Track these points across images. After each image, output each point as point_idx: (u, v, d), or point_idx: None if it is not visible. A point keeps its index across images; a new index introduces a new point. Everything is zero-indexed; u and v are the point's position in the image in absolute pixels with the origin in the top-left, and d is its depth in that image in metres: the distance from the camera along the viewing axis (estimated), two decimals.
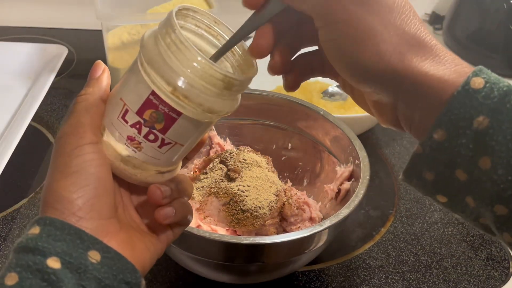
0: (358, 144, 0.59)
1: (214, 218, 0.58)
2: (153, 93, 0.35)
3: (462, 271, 0.63)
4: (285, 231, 0.60)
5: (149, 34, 0.36)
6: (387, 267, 0.63)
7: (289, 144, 0.69)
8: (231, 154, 0.62)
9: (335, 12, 0.35)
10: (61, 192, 0.35)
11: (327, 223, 0.50)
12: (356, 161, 0.59)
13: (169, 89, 0.34)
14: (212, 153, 0.68)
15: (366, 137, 0.82)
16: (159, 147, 0.37)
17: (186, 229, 0.49)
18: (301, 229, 0.57)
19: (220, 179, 0.59)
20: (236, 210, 0.57)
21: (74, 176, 0.35)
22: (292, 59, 0.40)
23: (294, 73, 0.41)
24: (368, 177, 0.56)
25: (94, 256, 0.33)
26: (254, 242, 0.49)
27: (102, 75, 0.40)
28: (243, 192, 0.57)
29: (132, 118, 0.36)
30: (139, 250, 0.38)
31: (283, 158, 0.69)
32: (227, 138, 0.69)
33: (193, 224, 0.57)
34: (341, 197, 0.61)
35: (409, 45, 0.34)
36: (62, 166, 0.35)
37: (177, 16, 0.37)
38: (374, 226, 0.69)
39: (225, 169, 0.61)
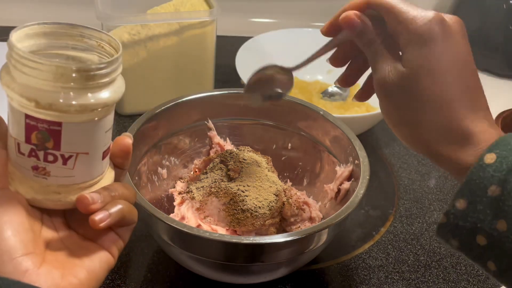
0: (358, 144, 0.60)
1: (214, 218, 0.58)
2: (26, 116, 0.34)
3: (461, 271, 0.63)
4: (285, 231, 0.60)
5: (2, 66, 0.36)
6: (386, 267, 0.63)
7: (289, 144, 0.69)
8: (231, 154, 0.62)
9: (388, 94, 0.43)
10: None
11: (327, 223, 0.51)
12: (356, 161, 0.59)
13: (32, 104, 0.34)
14: (212, 153, 0.68)
15: (366, 137, 0.82)
16: (64, 164, 0.36)
17: (185, 229, 0.49)
18: (301, 229, 0.57)
19: (220, 179, 0.60)
20: (236, 210, 0.57)
21: None
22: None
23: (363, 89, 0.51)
24: (368, 177, 0.56)
25: None
26: (254, 242, 0.49)
27: None
28: (243, 192, 0.57)
29: (26, 148, 0.36)
30: (75, 272, 0.37)
31: (283, 158, 0.69)
32: (227, 138, 0.69)
33: (193, 224, 0.57)
34: (341, 197, 0.61)
35: (449, 135, 0.41)
36: None
37: (41, 37, 0.37)
38: (374, 226, 0.69)
39: (225, 169, 0.61)
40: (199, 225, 0.57)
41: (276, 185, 0.60)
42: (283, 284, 0.60)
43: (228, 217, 0.57)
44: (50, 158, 0.36)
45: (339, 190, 0.61)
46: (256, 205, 0.57)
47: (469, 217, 0.39)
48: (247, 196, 0.57)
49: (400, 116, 0.43)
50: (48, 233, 0.39)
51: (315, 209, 0.62)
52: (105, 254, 0.40)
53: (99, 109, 0.35)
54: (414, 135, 0.43)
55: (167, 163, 0.66)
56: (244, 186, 0.58)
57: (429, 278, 0.62)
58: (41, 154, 0.36)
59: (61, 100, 0.34)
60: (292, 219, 0.60)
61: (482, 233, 0.38)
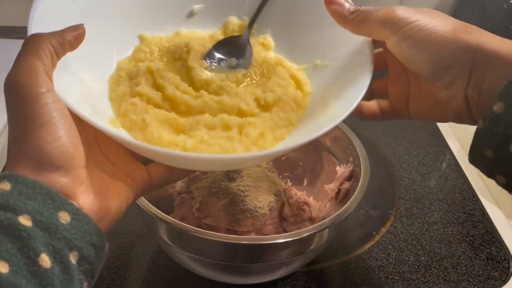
0: (358, 144, 0.60)
1: (214, 218, 0.58)
2: None
3: (462, 271, 0.63)
4: (285, 231, 0.60)
5: None
6: (387, 267, 0.63)
7: None
8: None
9: (401, 21, 0.42)
10: (37, 142, 0.34)
11: (327, 223, 0.50)
12: (356, 161, 0.59)
13: None
14: None
15: (366, 137, 0.82)
16: None
17: (186, 229, 0.49)
18: (301, 229, 0.57)
19: (220, 179, 0.59)
20: (236, 210, 0.57)
21: (47, 126, 0.35)
22: None
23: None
24: (368, 177, 0.56)
25: (64, 217, 0.33)
26: (254, 242, 0.49)
27: (70, 31, 0.39)
28: (243, 192, 0.57)
29: None
30: (113, 196, 0.38)
31: (283, 158, 0.69)
32: None
33: (193, 224, 0.57)
34: (341, 197, 0.61)
35: (473, 28, 0.41)
36: (30, 116, 0.35)
37: None
38: (374, 226, 0.69)
39: None
40: (199, 225, 0.57)
41: (276, 185, 0.60)
42: (283, 285, 0.60)
43: (228, 217, 0.57)
44: None
45: (339, 190, 0.61)
46: (256, 205, 0.57)
47: (504, 121, 0.37)
48: (247, 196, 0.57)
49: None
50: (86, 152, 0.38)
51: (315, 209, 0.62)
52: (132, 186, 0.40)
53: None
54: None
55: None
56: (244, 186, 0.58)
57: (430, 278, 0.62)
58: None
59: None
60: (292, 219, 0.60)
61: None
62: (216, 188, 0.58)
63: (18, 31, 1.07)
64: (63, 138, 0.35)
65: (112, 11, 0.52)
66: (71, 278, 0.33)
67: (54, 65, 0.38)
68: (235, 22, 0.58)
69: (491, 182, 0.41)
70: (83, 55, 0.44)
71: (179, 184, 0.64)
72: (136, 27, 0.55)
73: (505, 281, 0.62)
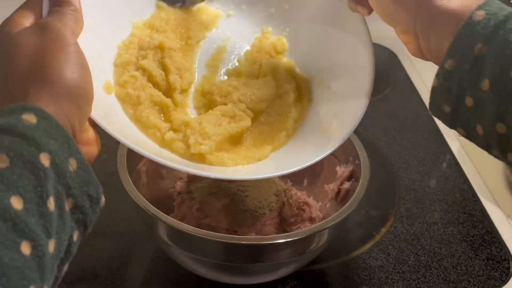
0: (358, 144, 0.59)
1: (213, 218, 0.58)
2: None
3: (462, 271, 0.63)
4: (285, 231, 0.60)
5: None
6: (387, 267, 0.63)
7: None
8: None
9: None
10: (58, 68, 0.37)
11: (327, 223, 0.50)
12: (356, 161, 0.59)
13: None
14: None
15: (366, 137, 0.82)
16: None
17: (186, 229, 0.49)
18: (301, 229, 0.57)
19: (220, 179, 0.59)
20: (236, 210, 0.57)
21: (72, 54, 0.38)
22: None
23: None
24: (368, 177, 0.56)
25: (73, 164, 0.34)
26: (254, 242, 0.49)
27: None
28: (243, 192, 0.57)
29: None
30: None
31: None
32: None
33: (193, 224, 0.57)
34: (341, 197, 0.61)
35: None
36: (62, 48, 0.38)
37: None
38: (374, 226, 0.69)
39: None
40: (199, 225, 0.57)
41: (276, 185, 0.60)
42: (283, 285, 0.60)
43: (227, 217, 0.57)
44: None
45: (339, 190, 0.61)
46: (256, 205, 0.57)
47: (456, 77, 0.38)
48: (247, 196, 0.57)
49: None
50: None
51: (315, 209, 0.62)
52: None
53: None
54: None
55: None
56: (244, 186, 0.58)
57: (430, 278, 0.62)
58: None
59: None
60: (292, 220, 0.60)
61: (469, 93, 0.38)
62: (216, 188, 0.58)
63: None
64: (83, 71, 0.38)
65: None
66: (64, 225, 0.33)
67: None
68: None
69: (491, 182, 0.41)
70: (99, 11, 0.46)
71: (179, 184, 0.64)
72: None
73: (505, 281, 0.62)
